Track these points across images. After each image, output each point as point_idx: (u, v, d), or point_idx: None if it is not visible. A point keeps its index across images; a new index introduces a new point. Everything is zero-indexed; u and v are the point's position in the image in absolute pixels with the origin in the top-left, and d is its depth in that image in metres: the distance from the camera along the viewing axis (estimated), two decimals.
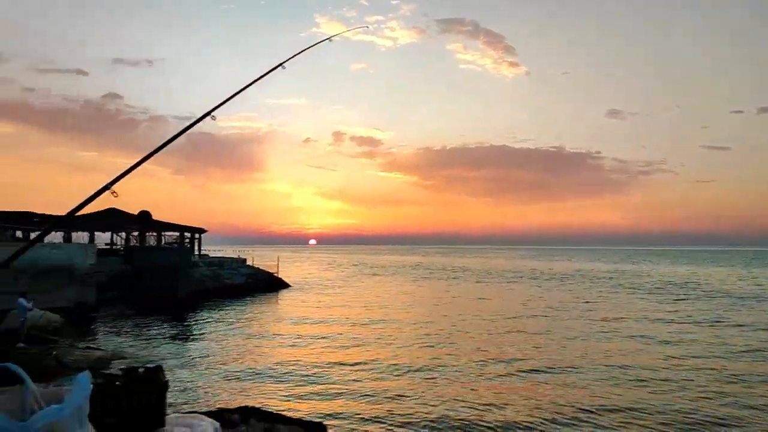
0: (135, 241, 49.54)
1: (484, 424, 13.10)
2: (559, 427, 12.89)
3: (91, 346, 21.46)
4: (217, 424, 1.68)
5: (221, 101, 3.16)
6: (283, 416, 1.94)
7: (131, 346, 22.92)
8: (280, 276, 52.87)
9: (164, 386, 1.66)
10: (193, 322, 30.64)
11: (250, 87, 3.43)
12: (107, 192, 2.56)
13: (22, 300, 18.26)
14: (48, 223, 40.36)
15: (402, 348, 22.96)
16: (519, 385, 16.80)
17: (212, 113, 3.18)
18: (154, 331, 27.04)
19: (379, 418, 13.64)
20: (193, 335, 26.43)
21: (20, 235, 45.04)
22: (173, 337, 25.62)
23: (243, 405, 1.96)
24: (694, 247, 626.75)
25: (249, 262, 52.15)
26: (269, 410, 2.02)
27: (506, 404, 14.64)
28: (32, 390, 1.96)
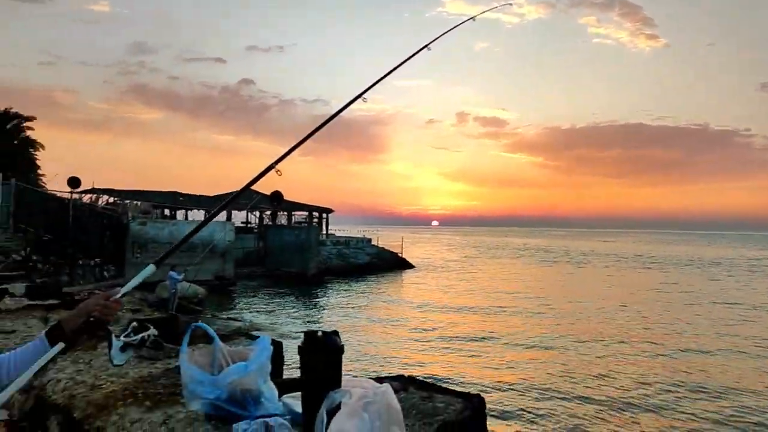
0: (268, 220, 52.14)
1: (623, 399, 12.95)
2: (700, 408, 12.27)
3: (231, 316, 22.99)
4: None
5: (373, 82, 3.22)
6: (440, 386, 2.01)
7: (266, 317, 24.31)
8: (404, 256, 53.52)
9: (340, 349, 1.78)
10: (322, 298, 31.92)
11: (398, 68, 3.49)
12: (272, 171, 2.72)
13: (173, 273, 19.82)
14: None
15: (530, 326, 22.63)
16: (657, 366, 16.10)
17: (364, 95, 3.26)
18: (286, 305, 28.47)
19: (524, 389, 13.87)
20: (322, 309, 27.55)
21: (168, 213, 48.90)
22: (304, 311, 26.86)
23: (399, 374, 2.05)
24: None
25: (373, 242, 53.24)
26: (425, 380, 2.10)
27: (644, 383, 14.15)
28: (221, 348, 2.17)
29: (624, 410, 12.67)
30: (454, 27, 4.24)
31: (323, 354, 1.79)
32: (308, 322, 24.05)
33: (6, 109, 53.95)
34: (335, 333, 1.83)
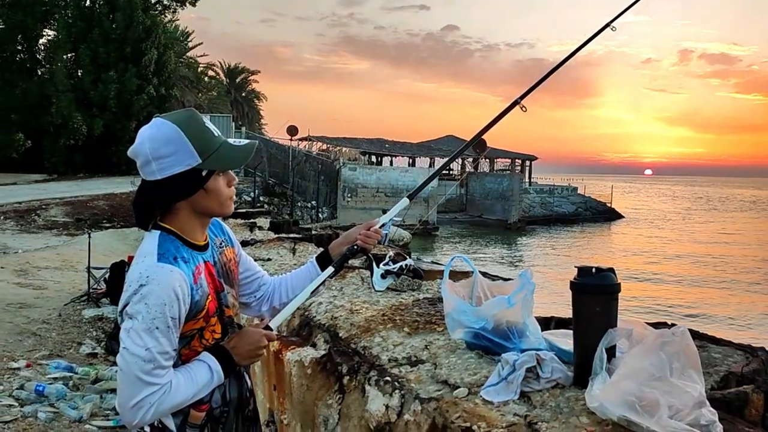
0: (470, 168, 52.35)
1: None
2: None
3: (435, 261, 23.69)
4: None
5: (625, 8, 2.95)
6: (713, 336, 1.84)
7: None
8: (613, 206, 50.68)
9: (618, 287, 1.69)
10: (526, 245, 31.51)
11: None
12: (516, 107, 2.63)
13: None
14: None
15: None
16: None
17: (613, 24, 2.99)
18: (489, 251, 28.59)
19: None
20: (528, 256, 27.22)
21: (374, 160, 51.32)
22: (509, 258, 26.76)
23: (660, 321, 1.92)
24: None
25: (580, 191, 51.05)
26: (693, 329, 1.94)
27: None
28: (480, 281, 2.20)
29: None
30: None
31: (600, 290, 1.71)
32: (510, 267, 23.95)
33: (236, 64, 60.08)
34: (611, 270, 1.73)
